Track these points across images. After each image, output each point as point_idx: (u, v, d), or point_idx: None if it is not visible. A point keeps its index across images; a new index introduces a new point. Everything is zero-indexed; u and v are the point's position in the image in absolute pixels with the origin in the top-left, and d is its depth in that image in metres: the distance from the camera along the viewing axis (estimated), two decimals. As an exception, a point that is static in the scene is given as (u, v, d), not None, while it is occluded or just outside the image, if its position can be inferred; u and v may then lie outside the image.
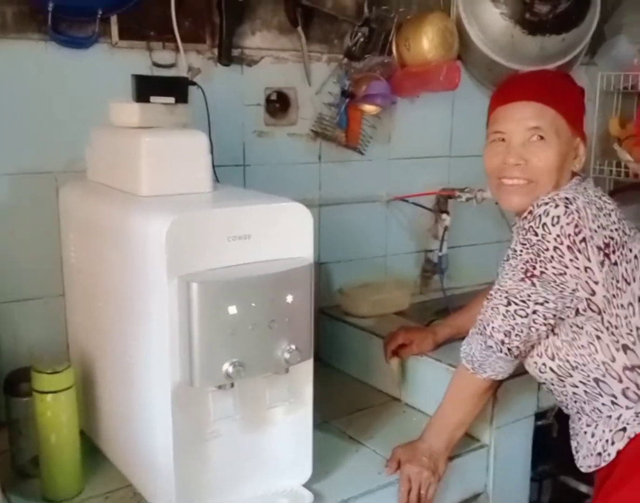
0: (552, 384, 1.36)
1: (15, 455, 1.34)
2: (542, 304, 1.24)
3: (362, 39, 1.85)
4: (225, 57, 1.68)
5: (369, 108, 1.89)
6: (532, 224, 1.23)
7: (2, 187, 1.50)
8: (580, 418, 1.35)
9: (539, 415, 1.65)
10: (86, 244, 1.34)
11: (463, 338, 1.40)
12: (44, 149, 1.52)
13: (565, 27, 2.03)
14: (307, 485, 1.30)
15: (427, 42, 1.87)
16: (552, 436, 1.82)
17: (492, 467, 1.53)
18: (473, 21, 2.00)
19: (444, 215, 2.07)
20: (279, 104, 1.84)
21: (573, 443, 1.38)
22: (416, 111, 2.05)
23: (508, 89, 1.38)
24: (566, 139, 1.32)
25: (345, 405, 1.68)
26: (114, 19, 1.55)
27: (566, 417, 1.73)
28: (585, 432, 1.33)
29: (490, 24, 1.99)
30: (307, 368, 1.26)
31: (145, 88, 1.30)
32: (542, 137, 1.30)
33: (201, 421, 1.17)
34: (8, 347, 1.53)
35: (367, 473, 1.39)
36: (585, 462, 1.33)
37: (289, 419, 1.27)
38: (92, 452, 1.39)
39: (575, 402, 1.34)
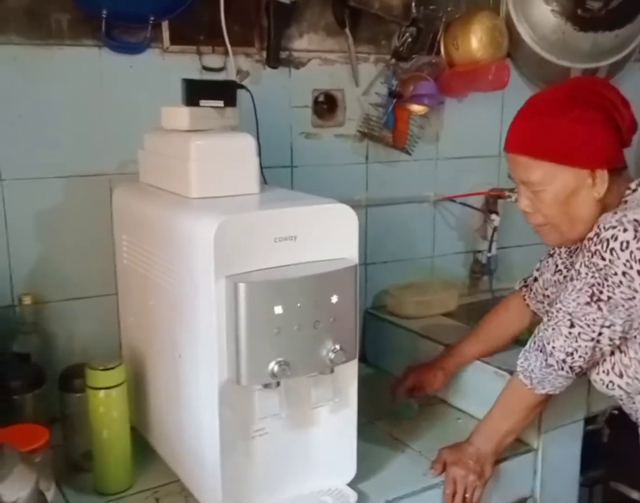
0: (621, 400, 1.33)
1: (69, 450, 1.38)
2: (608, 327, 1.21)
3: (409, 39, 1.85)
4: (274, 60, 1.70)
5: (416, 108, 1.88)
6: (598, 247, 1.18)
7: (58, 190, 1.55)
8: None
9: (589, 420, 1.62)
10: (138, 245, 1.37)
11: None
12: (98, 152, 1.57)
13: (618, 23, 1.98)
14: (352, 485, 1.31)
15: (475, 41, 1.86)
16: (602, 441, 1.79)
17: (539, 471, 1.51)
18: (523, 19, 1.98)
19: (493, 216, 2.05)
20: (326, 105, 1.85)
21: None
22: (464, 110, 2.03)
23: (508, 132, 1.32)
24: (566, 177, 1.24)
25: (390, 406, 1.68)
26: (165, 25, 1.59)
27: (618, 422, 1.70)
28: None
29: (541, 21, 1.96)
30: (352, 368, 1.26)
31: (195, 92, 1.32)
32: (535, 190, 1.27)
33: (247, 419, 1.19)
34: (63, 345, 1.58)
35: (411, 474, 1.39)
36: None
37: (334, 419, 1.28)
38: (142, 447, 1.42)
39: None
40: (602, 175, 1.23)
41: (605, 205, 1.27)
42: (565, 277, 1.47)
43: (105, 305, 1.60)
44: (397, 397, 1.63)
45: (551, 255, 1.52)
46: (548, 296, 1.53)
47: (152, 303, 1.33)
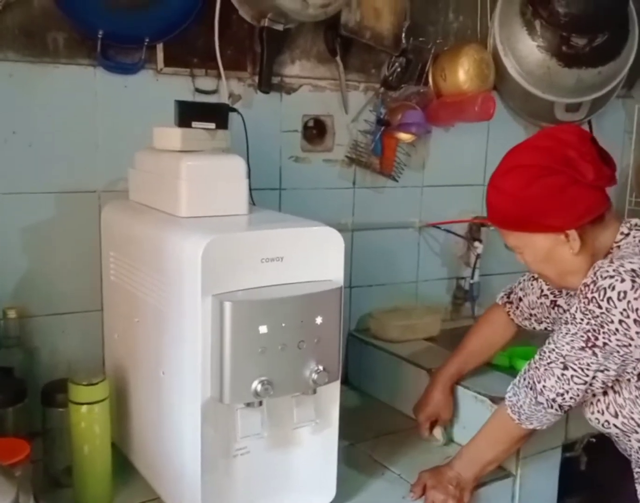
0: (617, 437, 1.34)
1: (49, 465, 1.38)
2: (602, 372, 1.22)
3: (399, 69, 1.89)
4: (265, 85, 1.73)
5: (404, 136, 1.92)
6: (595, 295, 1.19)
7: (46, 205, 1.56)
8: None
9: (567, 447, 1.64)
10: (125, 262, 1.39)
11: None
12: (89, 169, 1.58)
13: (601, 60, 2.03)
14: (331, 506, 1.32)
15: (463, 73, 1.90)
16: (580, 469, 1.80)
17: (517, 497, 1.52)
18: (509, 53, 2.03)
19: (477, 243, 2.08)
20: (315, 131, 1.88)
21: (639, 488, 1.35)
22: (451, 140, 2.07)
23: None
24: (538, 241, 1.29)
25: (371, 429, 1.69)
26: (159, 47, 1.61)
27: (595, 450, 1.72)
28: None
29: (527, 56, 2.01)
30: (334, 389, 1.28)
31: (188, 113, 1.35)
32: (517, 252, 1.34)
33: (229, 437, 1.20)
34: (46, 359, 1.58)
35: (391, 497, 1.40)
36: None
37: (315, 439, 1.29)
38: (122, 464, 1.42)
39: None
40: (572, 234, 1.26)
41: (594, 253, 1.28)
42: (552, 301, 1.51)
43: (90, 321, 1.60)
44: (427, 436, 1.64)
45: (535, 279, 1.55)
46: (535, 315, 1.56)
47: (138, 320, 1.34)
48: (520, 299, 1.58)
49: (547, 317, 1.54)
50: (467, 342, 1.65)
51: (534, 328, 1.59)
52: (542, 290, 1.53)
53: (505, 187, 1.28)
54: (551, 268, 1.33)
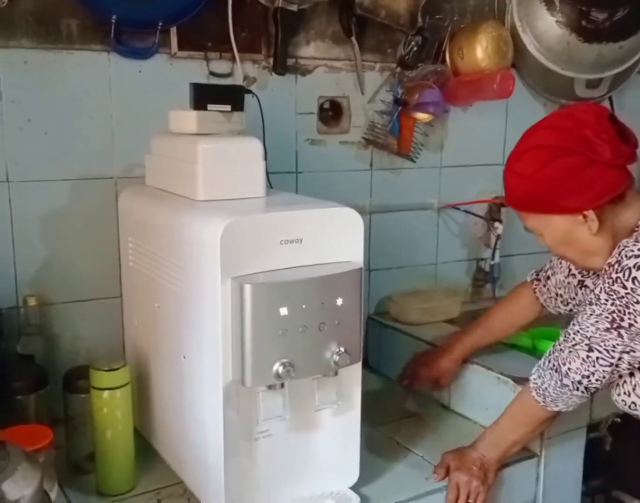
0: None
1: (71, 451, 1.39)
2: (628, 353, 1.21)
3: (415, 48, 1.86)
4: (280, 67, 1.71)
5: (421, 116, 1.89)
6: (619, 275, 1.18)
7: (64, 192, 1.56)
8: None
9: (591, 428, 1.62)
10: (144, 247, 1.38)
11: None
12: (105, 156, 1.58)
13: (622, 35, 1.99)
14: (354, 489, 1.31)
15: (481, 51, 1.87)
16: (605, 450, 1.79)
17: (542, 478, 1.51)
18: (528, 29, 1.99)
19: (497, 224, 2.06)
20: (331, 113, 1.86)
21: None
22: (469, 119, 2.05)
23: None
24: (556, 222, 1.27)
25: (393, 412, 1.68)
26: (173, 31, 1.60)
27: (620, 430, 1.70)
28: None
29: (546, 31, 1.98)
30: (356, 371, 1.27)
31: (203, 96, 1.34)
32: (537, 234, 1.33)
33: (251, 420, 1.20)
34: (67, 346, 1.59)
35: (414, 478, 1.39)
36: None
37: (337, 422, 1.28)
38: (145, 449, 1.42)
39: None
40: (590, 215, 1.24)
41: (616, 232, 1.26)
42: (579, 281, 1.48)
43: (109, 308, 1.60)
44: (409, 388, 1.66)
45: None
46: (561, 295, 1.54)
47: (158, 305, 1.34)
48: (549, 278, 1.56)
49: (574, 298, 1.51)
50: (490, 315, 1.64)
51: (559, 310, 1.57)
52: (569, 270, 1.50)
53: (520, 169, 1.27)
54: (572, 249, 1.31)
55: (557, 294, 1.55)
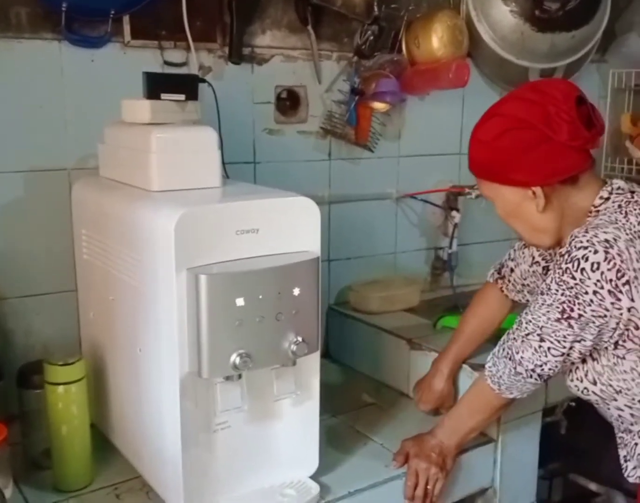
0: (597, 404, 1.34)
1: (27, 447, 1.37)
2: (579, 342, 1.22)
3: (371, 37, 1.86)
4: (236, 56, 1.70)
5: (378, 105, 1.90)
6: (569, 265, 1.18)
7: (16, 184, 1.52)
8: (629, 432, 1.33)
9: (547, 412, 1.65)
10: (98, 239, 1.36)
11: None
12: (57, 147, 1.55)
13: (575, 25, 2.02)
14: (314, 477, 1.31)
15: (436, 40, 1.88)
16: (561, 433, 1.83)
17: (499, 462, 1.54)
18: (483, 19, 2.01)
19: (454, 212, 2.08)
20: (289, 102, 1.86)
21: (621, 453, 1.35)
22: (426, 108, 2.06)
23: None
24: (507, 193, 1.28)
25: (353, 400, 1.69)
26: (126, 19, 1.57)
27: (575, 414, 1.74)
28: (637, 444, 1.31)
29: (500, 21, 2.00)
30: (314, 361, 1.27)
31: (156, 85, 1.32)
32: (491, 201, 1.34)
33: (209, 412, 1.19)
34: (21, 341, 1.56)
35: (374, 466, 1.40)
36: (636, 472, 1.31)
37: (296, 412, 1.29)
38: (102, 444, 1.41)
39: (622, 422, 1.32)
40: (538, 192, 1.25)
41: (565, 213, 1.27)
42: (544, 268, 1.47)
43: (64, 301, 1.58)
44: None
45: (527, 247, 1.51)
46: (528, 285, 1.52)
47: (113, 298, 1.32)
48: (512, 270, 1.54)
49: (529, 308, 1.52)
50: (463, 326, 1.61)
51: (528, 300, 1.53)
52: (533, 258, 1.49)
53: (480, 135, 1.28)
54: (520, 222, 1.32)
55: (523, 285, 1.53)
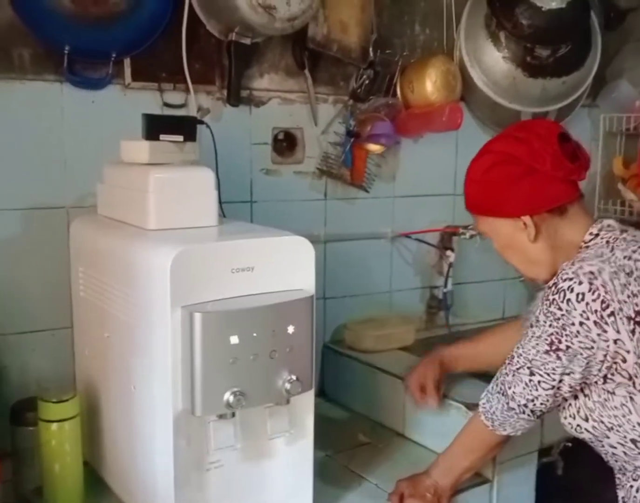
0: (592, 442, 1.34)
1: (19, 485, 1.35)
2: (568, 375, 1.23)
3: (367, 81, 1.91)
4: (234, 98, 1.73)
5: (373, 147, 1.93)
6: (555, 297, 1.20)
7: (15, 222, 1.54)
8: (624, 474, 1.33)
9: (543, 452, 1.65)
10: (94, 277, 1.37)
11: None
12: (57, 185, 1.57)
13: (565, 71, 2.06)
14: (308, 517, 1.31)
15: (430, 84, 1.92)
16: (557, 474, 1.81)
17: (495, 503, 1.53)
18: (475, 64, 2.06)
19: (449, 252, 2.10)
20: (286, 143, 1.89)
21: (620, 494, 1.35)
22: (420, 150, 2.09)
23: None
24: (502, 226, 1.33)
25: (348, 439, 1.69)
26: (127, 61, 1.61)
27: (572, 454, 1.72)
28: (632, 486, 1.31)
29: (493, 67, 2.04)
30: (308, 399, 1.27)
31: (155, 126, 1.34)
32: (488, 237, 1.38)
33: (202, 450, 1.19)
34: (15, 378, 1.55)
35: (368, 507, 1.40)
36: None
37: (290, 450, 1.28)
38: (95, 482, 1.40)
39: (616, 461, 1.32)
40: (527, 221, 1.29)
41: (556, 245, 1.30)
42: None
43: (60, 338, 1.58)
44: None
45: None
46: None
47: (108, 335, 1.33)
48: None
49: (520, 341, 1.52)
50: (484, 338, 1.64)
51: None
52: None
53: (471, 172, 1.35)
54: (515, 255, 1.36)
55: None
